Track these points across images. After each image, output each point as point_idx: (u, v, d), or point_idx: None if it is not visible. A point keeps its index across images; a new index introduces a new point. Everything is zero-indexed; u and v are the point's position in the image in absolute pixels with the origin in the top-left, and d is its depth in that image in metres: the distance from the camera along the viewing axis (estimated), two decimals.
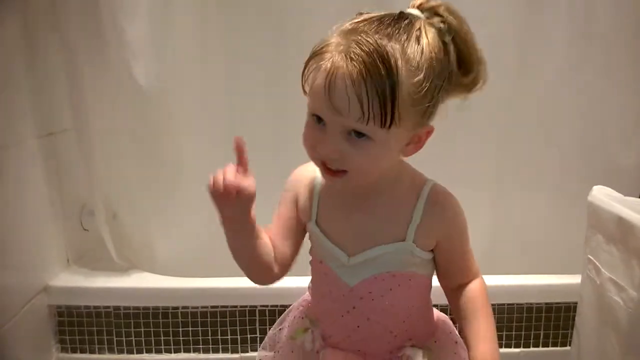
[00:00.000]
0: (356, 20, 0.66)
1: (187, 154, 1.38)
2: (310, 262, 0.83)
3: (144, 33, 1.27)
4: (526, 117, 1.41)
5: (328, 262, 0.77)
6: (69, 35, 1.26)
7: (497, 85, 1.38)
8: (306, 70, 0.66)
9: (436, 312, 0.86)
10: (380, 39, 0.61)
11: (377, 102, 0.60)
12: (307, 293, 0.87)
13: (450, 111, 1.40)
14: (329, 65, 0.62)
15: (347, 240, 0.75)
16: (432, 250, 0.77)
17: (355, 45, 0.61)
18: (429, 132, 0.70)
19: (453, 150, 1.41)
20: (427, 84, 0.63)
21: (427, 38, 0.64)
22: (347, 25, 0.66)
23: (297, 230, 0.80)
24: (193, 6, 1.32)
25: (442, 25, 0.66)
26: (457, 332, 0.84)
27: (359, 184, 0.70)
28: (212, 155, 1.41)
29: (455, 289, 0.79)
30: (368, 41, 0.61)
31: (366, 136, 0.63)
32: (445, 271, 0.79)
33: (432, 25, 0.65)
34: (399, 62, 0.61)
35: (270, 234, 0.78)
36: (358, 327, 0.77)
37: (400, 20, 0.64)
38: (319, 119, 0.66)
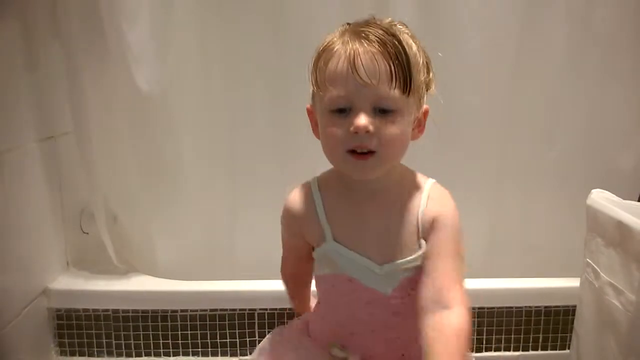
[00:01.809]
0: (343, 25, 0.74)
1: (187, 157, 1.38)
2: (319, 287, 0.81)
3: (144, 36, 1.27)
4: (525, 119, 1.41)
5: (355, 275, 0.75)
6: (69, 39, 1.26)
7: (496, 86, 1.40)
8: (318, 68, 0.71)
9: None
10: (381, 26, 0.71)
11: (400, 67, 0.68)
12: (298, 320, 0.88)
13: (449, 112, 1.41)
14: (347, 48, 0.68)
15: (371, 248, 0.75)
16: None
17: (366, 30, 0.69)
18: (426, 113, 0.76)
19: (452, 152, 1.42)
20: (421, 58, 0.73)
21: (404, 34, 0.74)
22: (340, 28, 0.73)
23: (310, 253, 0.82)
24: (194, 10, 1.32)
25: (404, 32, 0.74)
26: None
27: (384, 166, 0.73)
28: (213, 158, 1.41)
29: (430, 307, 0.69)
30: (374, 26, 0.70)
31: (391, 110, 0.69)
32: (426, 276, 0.73)
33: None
34: (401, 38, 0.70)
35: (294, 270, 0.87)
36: (396, 337, 0.77)
37: (381, 20, 0.74)
38: (341, 111, 0.69)
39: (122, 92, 1.29)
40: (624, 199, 1.10)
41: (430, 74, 0.76)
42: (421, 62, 0.73)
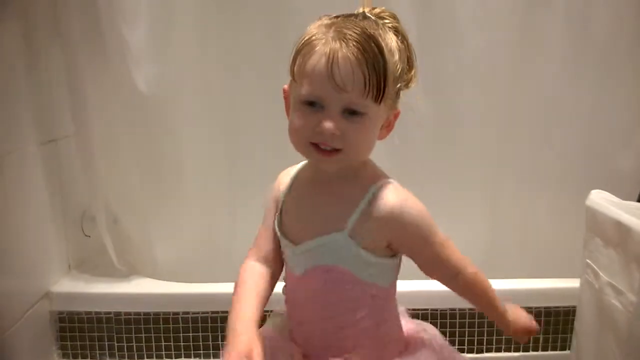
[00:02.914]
0: (329, 17, 0.74)
1: (187, 159, 1.38)
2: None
3: (144, 38, 1.28)
4: (525, 121, 1.42)
5: (285, 250, 0.80)
6: (69, 42, 1.27)
7: (496, 87, 1.40)
8: (297, 60, 0.72)
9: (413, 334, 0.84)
10: (364, 27, 0.70)
11: (375, 76, 0.68)
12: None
13: (449, 113, 1.42)
14: (327, 49, 0.68)
15: (295, 229, 0.78)
16: (393, 256, 0.77)
17: (347, 31, 0.69)
18: (397, 115, 0.77)
19: (452, 153, 1.42)
20: (401, 66, 0.73)
21: (390, 32, 0.74)
22: (325, 21, 0.73)
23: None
24: (193, 11, 1.33)
25: (392, 26, 0.75)
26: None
27: (349, 163, 0.74)
28: (213, 160, 1.41)
29: (450, 284, 0.81)
30: (357, 27, 0.69)
31: (360, 113, 0.70)
32: (427, 271, 0.79)
33: (385, 25, 0.74)
34: (383, 44, 0.70)
35: (261, 241, 0.84)
36: (308, 320, 0.78)
37: (366, 18, 0.74)
38: (312, 104, 0.70)
39: (122, 92, 1.30)
40: (624, 199, 1.10)
41: (413, 70, 0.77)
42: (400, 69, 0.72)
